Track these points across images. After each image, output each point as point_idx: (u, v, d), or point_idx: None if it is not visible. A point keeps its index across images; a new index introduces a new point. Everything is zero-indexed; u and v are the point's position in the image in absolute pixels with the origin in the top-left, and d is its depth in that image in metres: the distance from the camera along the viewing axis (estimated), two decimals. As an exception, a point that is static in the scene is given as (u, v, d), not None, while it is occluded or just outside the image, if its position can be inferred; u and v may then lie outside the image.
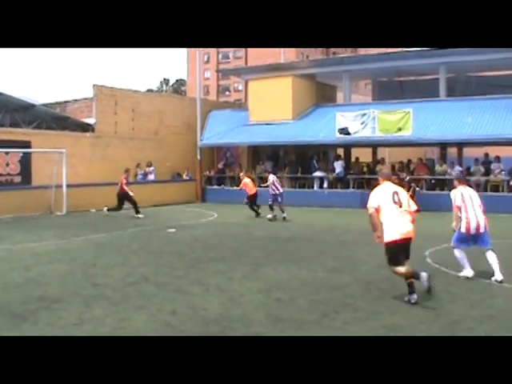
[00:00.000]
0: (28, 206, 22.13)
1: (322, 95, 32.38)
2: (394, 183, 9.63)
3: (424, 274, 8.82)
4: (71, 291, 9.59)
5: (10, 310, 8.34)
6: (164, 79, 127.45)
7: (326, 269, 11.51)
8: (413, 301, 8.58)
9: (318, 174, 28.29)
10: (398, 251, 8.95)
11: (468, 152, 31.48)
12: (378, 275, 10.74)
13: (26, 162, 24.19)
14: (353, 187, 27.01)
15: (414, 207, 9.32)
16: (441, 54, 26.17)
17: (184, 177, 30.95)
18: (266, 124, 29.66)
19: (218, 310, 8.27)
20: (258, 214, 21.65)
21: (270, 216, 20.71)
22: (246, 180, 22.67)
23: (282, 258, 12.78)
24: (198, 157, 31.27)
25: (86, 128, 28.15)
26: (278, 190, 21.36)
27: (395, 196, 9.03)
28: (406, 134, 25.01)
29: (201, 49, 36.30)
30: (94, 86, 28.28)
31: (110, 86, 29.64)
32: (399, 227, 8.90)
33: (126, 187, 21.53)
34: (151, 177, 29.31)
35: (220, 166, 31.85)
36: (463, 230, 10.64)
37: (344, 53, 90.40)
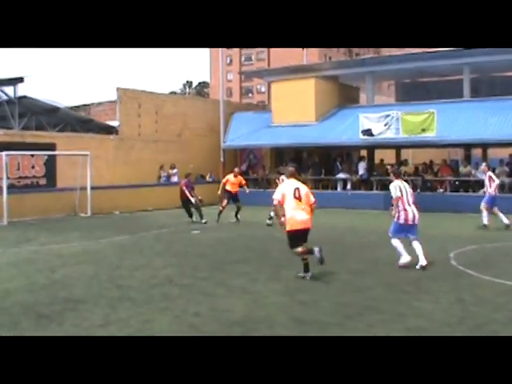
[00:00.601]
0: (53, 208, 22.36)
1: (345, 97, 32.23)
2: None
3: (316, 248, 10.46)
4: (96, 293, 9.68)
5: (36, 311, 8.42)
6: (187, 81, 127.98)
7: (350, 271, 11.46)
8: (308, 277, 10.54)
9: (341, 175, 28.21)
10: (297, 238, 10.66)
11: (493, 153, 31.32)
12: (403, 277, 10.70)
13: (50, 165, 24.35)
14: (376, 189, 26.90)
15: (312, 199, 10.91)
16: (465, 55, 25.96)
17: (207, 179, 30.95)
18: (289, 126, 29.56)
19: (241, 312, 8.27)
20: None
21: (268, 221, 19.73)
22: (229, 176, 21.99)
23: (306, 260, 12.81)
24: (222, 159, 31.33)
25: (109, 130, 28.40)
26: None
27: (296, 191, 10.65)
28: (430, 135, 24.85)
29: (224, 51, 36.30)
30: (117, 88, 28.41)
31: (134, 88, 29.82)
32: (298, 218, 10.56)
33: (187, 192, 20.86)
34: (174, 179, 29.30)
35: (243, 167, 31.70)
36: (402, 221, 11.82)
37: (367, 54, 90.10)
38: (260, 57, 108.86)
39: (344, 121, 28.70)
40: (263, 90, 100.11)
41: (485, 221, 18.31)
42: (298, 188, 10.70)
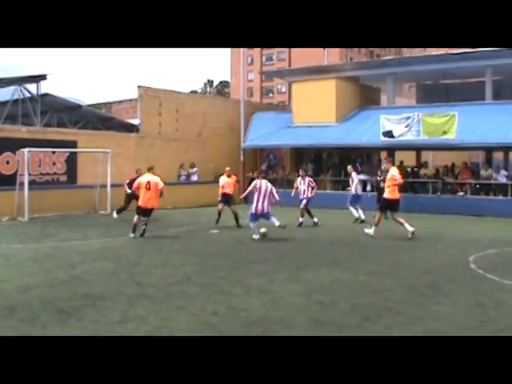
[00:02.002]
0: (73, 205, 22.56)
1: (366, 98, 32.10)
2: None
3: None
4: (115, 289, 9.75)
5: (55, 306, 8.51)
6: (208, 81, 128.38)
7: (368, 272, 11.42)
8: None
9: (361, 177, 28.05)
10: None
11: (514, 156, 31.04)
12: (422, 280, 10.66)
13: (71, 162, 24.58)
14: (397, 191, 26.63)
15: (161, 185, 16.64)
16: (487, 57, 25.73)
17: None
18: (310, 126, 29.52)
19: (259, 312, 8.28)
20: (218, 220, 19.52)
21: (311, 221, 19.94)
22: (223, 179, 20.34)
23: (324, 261, 12.73)
24: (242, 158, 31.38)
25: (130, 128, 28.47)
26: (305, 193, 20.00)
27: (148, 184, 16.26)
28: (451, 137, 24.74)
29: (245, 51, 36.32)
30: (138, 87, 28.55)
31: (155, 87, 30.00)
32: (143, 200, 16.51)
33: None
34: (194, 178, 29.44)
35: (263, 167, 31.73)
36: (253, 211, 16.15)
37: (388, 55, 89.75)
38: (281, 57, 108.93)
39: (364, 122, 28.60)
40: (284, 90, 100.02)
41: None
42: (149, 181, 16.53)
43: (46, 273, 11.24)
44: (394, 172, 17.13)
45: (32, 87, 26.69)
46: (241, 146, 31.56)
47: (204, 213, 23.49)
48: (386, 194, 17.06)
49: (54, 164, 24.10)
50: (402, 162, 28.97)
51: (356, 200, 21.77)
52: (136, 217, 16.66)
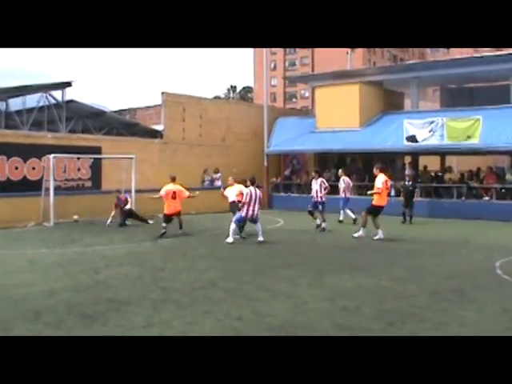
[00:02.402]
0: (98, 210, 22.53)
1: (390, 102, 31.98)
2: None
3: None
4: (140, 294, 9.78)
5: (80, 311, 8.56)
6: (231, 86, 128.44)
7: (392, 278, 11.35)
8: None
9: (384, 181, 27.85)
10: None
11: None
12: (447, 286, 10.56)
13: (96, 167, 24.81)
14: (420, 196, 26.40)
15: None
16: (512, 60, 25.65)
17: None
18: (333, 131, 29.47)
19: (283, 317, 8.25)
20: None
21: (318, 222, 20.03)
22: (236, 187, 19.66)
23: (347, 266, 12.69)
24: (265, 163, 31.38)
25: (154, 134, 28.70)
26: (318, 196, 19.98)
27: (173, 194, 17.60)
28: (475, 141, 24.57)
29: (268, 56, 36.27)
30: (162, 93, 28.73)
31: (179, 93, 30.18)
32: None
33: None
34: (218, 183, 29.37)
35: (287, 172, 31.89)
36: (244, 214, 16.55)
37: (411, 59, 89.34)
38: (304, 62, 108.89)
39: (388, 127, 28.47)
40: (307, 95, 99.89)
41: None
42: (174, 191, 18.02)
43: (70, 277, 11.32)
44: (378, 180, 17.74)
45: (57, 94, 27.05)
46: (264, 151, 31.61)
47: (228, 218, 23.45)
48: (374, 201, 17.66)
49: (79, 170, 24.32)
50: (425, 167, 28.85)
51: (347, 203, 22.82)
52: (164, 224, 17.70)
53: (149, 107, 31.00)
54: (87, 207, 22.19)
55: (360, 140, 28.33)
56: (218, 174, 29.68)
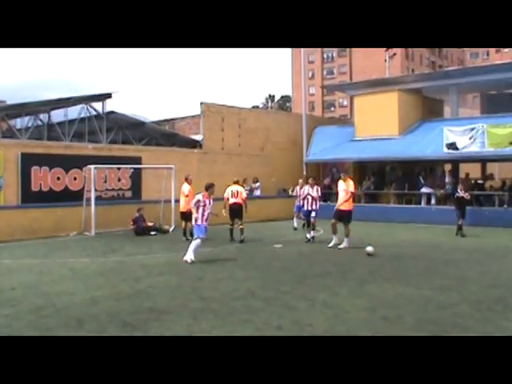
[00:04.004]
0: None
1: (429, 109, 31.76)
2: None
3: None
4: (179, 303, 9.83)
5: (121, 319, 8.68)
6: (269, 95, 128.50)
7: (434, 287, 11.21)
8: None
9: (424, 190, 27.69)
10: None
11: None
12: (490, 295, 10.42)
13: (136, 177, 25.13)
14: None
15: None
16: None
17: (290, 193, 30.63)
18: (373, 139, 29.41)
19: (323, 327, 8.22)
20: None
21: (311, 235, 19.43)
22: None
23: (388, 275, 12.60)
24: (304, 173, 30.90)
25: (193, 144, 28.98)
26: (310, 204, 19.30)
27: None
28: (518, 148, 24.28)
29: (305, 63, 36.31)
30: (201, 103, 28.92)
31: (217, 103, 30.31)
32: None
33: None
34: (257, 192, 29.43)
35: (326, 182, 31.69)
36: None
37: (450, 65, 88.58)
38: (342, 70, 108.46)
39: (428, 134, 28.28)
40: (345, 103, 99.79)
41: None
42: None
43: (111, 286, 11.45)
44: (350, 184, 17.83)
45: (98, 105, 27.42)
46: (303, 160, 31.63)
47: (267, 227, 23.49)
48: (346, 206, 17.61)
49: (120, 180, 24.61)
50: (467, 175, 28.46)
51: (299, 209, 22.03)
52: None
53: (188, 117, 31.27)
54: (127, 217, 22.28)
55: (399, 148, 28.16)
56: (257, 184, 29.71)
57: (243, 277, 12.48)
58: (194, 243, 14.69)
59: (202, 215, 14.81)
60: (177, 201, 21.52)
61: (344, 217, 17.56)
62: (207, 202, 14.95)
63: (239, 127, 30.50)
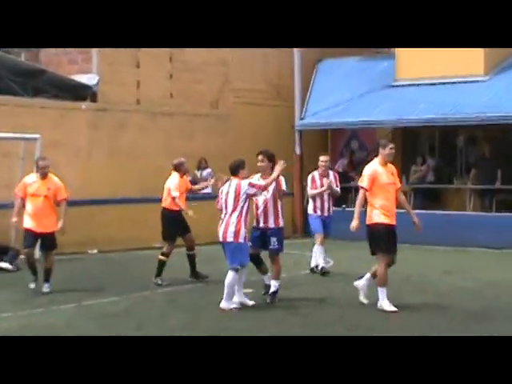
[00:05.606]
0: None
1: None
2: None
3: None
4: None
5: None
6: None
7: None
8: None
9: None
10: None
11: None
12: None
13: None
14: None
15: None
16: None
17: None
18: (431, 84, 28.50)
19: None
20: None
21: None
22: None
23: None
24: (297, 150, 29.90)
25: (79, 93, 28.00)
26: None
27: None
28: None
29: None
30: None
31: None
32: None
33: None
34: (207, 188, 26.28)
35: (339, 166, 29.28)
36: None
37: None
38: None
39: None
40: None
41: None
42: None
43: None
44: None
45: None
46: (295, 124, 30.06)
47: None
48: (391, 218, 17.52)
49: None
50: None
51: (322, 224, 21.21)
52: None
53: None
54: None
55: (485, 100, 26.82)
56: (207, 170, 27.26)
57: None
58: (230, 277, 14.71)
59: (245, 219, 14.70)
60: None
61: (381, 238, 15.25)
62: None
63: (170, 61, 28.78)
